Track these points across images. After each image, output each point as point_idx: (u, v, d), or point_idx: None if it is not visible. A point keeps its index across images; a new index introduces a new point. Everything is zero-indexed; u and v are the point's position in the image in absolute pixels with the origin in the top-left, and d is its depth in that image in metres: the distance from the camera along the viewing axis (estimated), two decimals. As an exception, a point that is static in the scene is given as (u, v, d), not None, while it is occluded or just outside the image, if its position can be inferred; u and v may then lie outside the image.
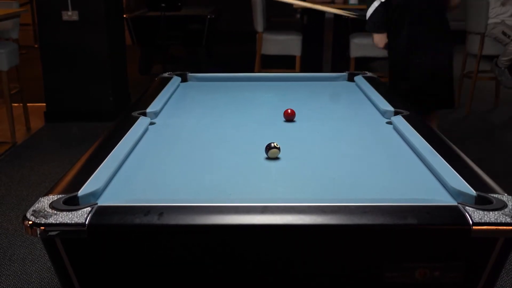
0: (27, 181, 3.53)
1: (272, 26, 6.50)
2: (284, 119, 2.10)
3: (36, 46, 7.89)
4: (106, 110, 4.80)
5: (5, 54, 4.10)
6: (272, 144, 1.64)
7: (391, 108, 2.13)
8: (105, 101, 4.81)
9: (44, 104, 4.84)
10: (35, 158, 3.95)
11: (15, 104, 4.56)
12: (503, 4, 4.92)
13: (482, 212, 1.20)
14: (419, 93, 3.18)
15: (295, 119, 2.09)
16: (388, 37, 3.26)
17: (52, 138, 4.56)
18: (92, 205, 1.24)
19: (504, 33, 4.86)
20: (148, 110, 2.12)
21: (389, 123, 2.02)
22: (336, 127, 2.05)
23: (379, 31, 3.26)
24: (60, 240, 1.19)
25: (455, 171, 1.45)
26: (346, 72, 2.90)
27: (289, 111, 2.09)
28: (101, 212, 1.21)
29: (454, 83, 3.32)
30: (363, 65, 5.54)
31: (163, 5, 5.36)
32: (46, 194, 1.31)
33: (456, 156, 1.60)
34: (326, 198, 1.35)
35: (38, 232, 1.18)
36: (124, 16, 5.78)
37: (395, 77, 3.31)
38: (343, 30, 5.91)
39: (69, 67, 4.71)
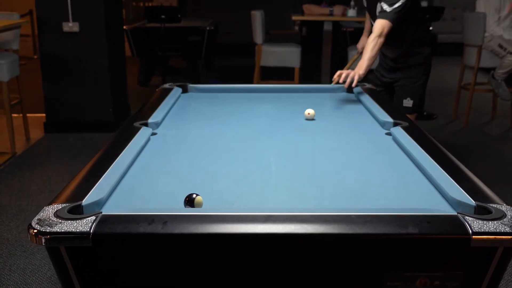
0: (27, 191, 3.53)
1: (271, 38, 6.55)
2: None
3: (35, 57, 7.92)
4: (105, 121, 4.81)
5: (5, 65, 4.12)
6: (193, 195, 1.40)
7: (390, 119, 2.15)
8: (105, 112, 4.82)
9: (44, 114, 4.86)
10: (35, 169, 3.96)
11: (15, 115, 4.57)
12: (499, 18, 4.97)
13: (482, 222, 1.22)
14: None
15: (295, 129, 2.11)
16: None
17: (52, 148, 4.57)
18: (96, 214, 1.25)
19: (500, 46, 4.91)
20: (150, 120, 2.13)
21: (389, 134, 2.04)
22: (336, 138, 2.07)
23: None
24: (65, 248, 1.20)
25: (454, 182, 1.47)
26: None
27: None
28: (106, 221, 1.22)
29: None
30: (361, 77, 5.56)
31: (162, 16, 5.39)
32: (51, 203, 1.32)
33: (455, 167, 1.62)
34: (328, 208, 1.37)
35: (43, 240, 1.19)
36: (124, 27, 5.82)
37: None
38: (342, 42, 5.95)
39: (69, 78, 4.73)
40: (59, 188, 1.48)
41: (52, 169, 3.96)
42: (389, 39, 2.84)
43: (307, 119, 2.28)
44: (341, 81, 2.53)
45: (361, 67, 2.66)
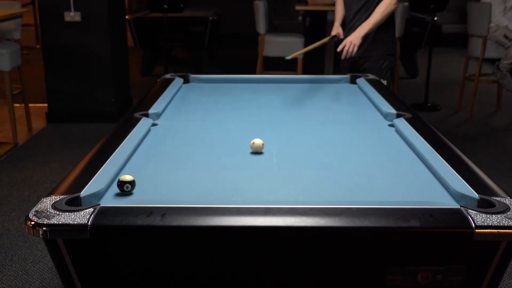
0: (29, 182, 3.53)
1: (274, 28, 6.51)
2: None
3: (37, 46, 7.91)
4: (107, 111, 4.80)
5: (7, 54, 4.10)
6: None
7: (393, 111, 2.12)
8: (107, 102, 4.81)
9: (46, 105, 4.85)
10: (37, 159, 3.95)
11: (17, 105, 4.56)
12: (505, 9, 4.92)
13: (485, 215, 1.20)
14: None
15: (297, 121, 2.09)
16: None
17: (54, 139, 4.56)
18: (94, 206, 1.24)
19: (506, 37, 4.86)
20: (151, 111, 2.12)
21: (391, 125, 2.02)
22: (338, 129, 2.04)
23: None
24: (63, 240, 1.19)
25: (457, 174, 1.45)
26: (348, 74, 2.90)
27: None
28: (104, 213, 1.21)
29: None
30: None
31: (165, 6, 5.36)
32: (49, 195, 1.31)
33: (459, 159, 1.60)
34: (329, 200, 1.35)
35: (41, 232, 1.17)
36: (126, 17, 5.79)
37: None
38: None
39: (71, 68, 4.71)
40: (61, 179, 1.47)
41: (53, 159, 3.96)
42: (359, 8, 2.99)
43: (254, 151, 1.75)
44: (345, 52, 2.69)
45: (363, 28, 2.81)
